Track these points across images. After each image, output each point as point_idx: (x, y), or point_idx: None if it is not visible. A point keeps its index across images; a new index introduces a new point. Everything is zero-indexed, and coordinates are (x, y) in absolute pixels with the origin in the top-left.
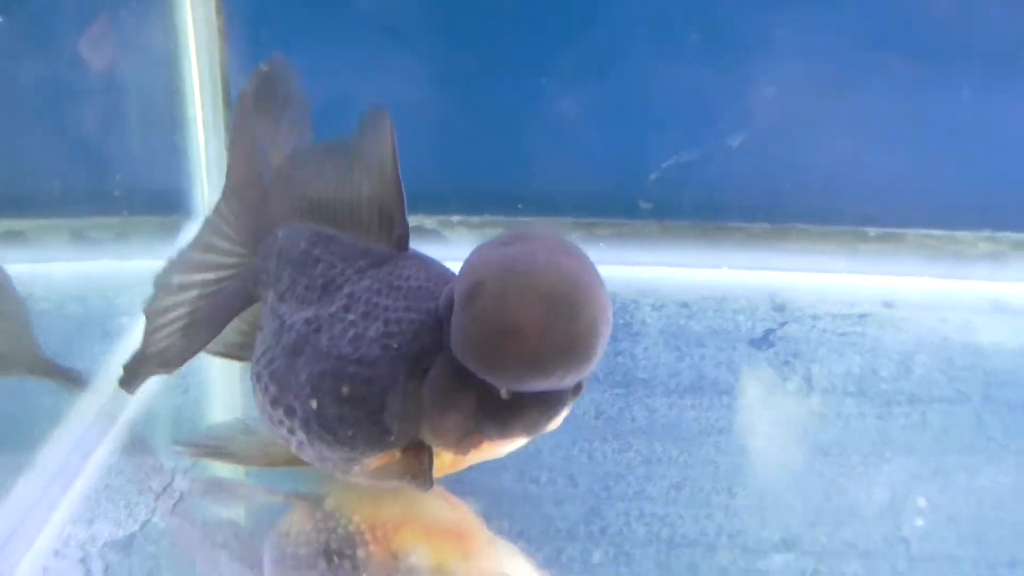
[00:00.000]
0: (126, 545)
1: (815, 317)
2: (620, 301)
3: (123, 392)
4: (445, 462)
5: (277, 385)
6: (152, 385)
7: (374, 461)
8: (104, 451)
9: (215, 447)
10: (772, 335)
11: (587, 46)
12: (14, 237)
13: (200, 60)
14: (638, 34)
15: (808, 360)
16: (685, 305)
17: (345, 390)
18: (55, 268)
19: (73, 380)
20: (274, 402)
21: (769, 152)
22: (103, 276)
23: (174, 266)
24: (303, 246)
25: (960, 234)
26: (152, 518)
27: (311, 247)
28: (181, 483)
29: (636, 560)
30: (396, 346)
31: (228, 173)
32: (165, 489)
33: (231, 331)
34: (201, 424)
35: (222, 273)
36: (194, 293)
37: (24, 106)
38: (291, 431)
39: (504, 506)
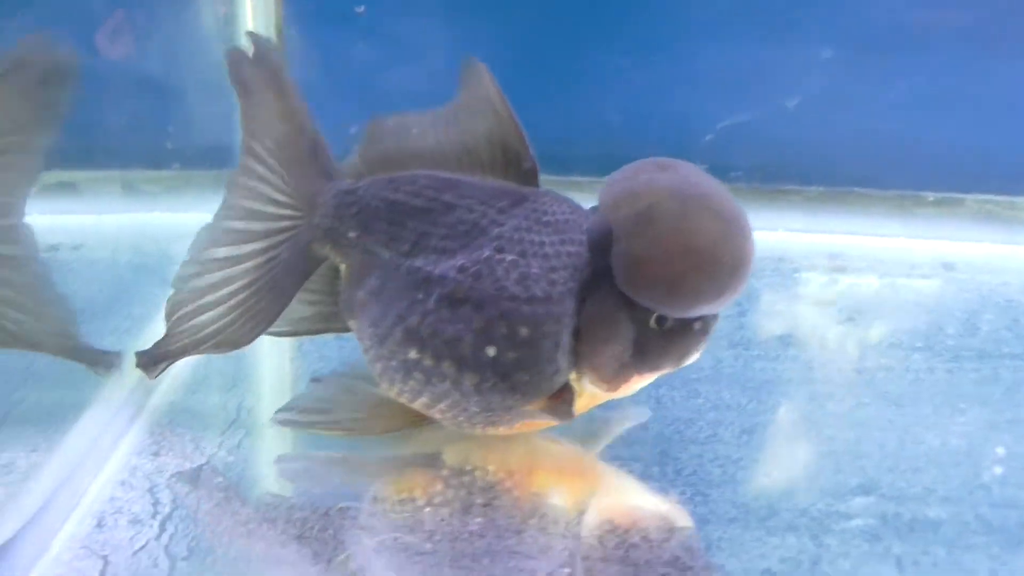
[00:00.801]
0: (193, 477)
1: (876, 277)
2: None
3: None
4: (579, 405)
5: (440, 339)
6: None
7: (533, 406)
8: (168, 388)
9: (320, 418)
10: (833, 292)
11: (642, 6)
12: (67, 189)
13: (256, 13)
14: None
15: (872, 317)
16: None
17: (524, 331)
18: (108, 220)
19: (105, 364)
20: (437, 357)
21: (826, 114)
22: (156, 227)
23: (214, 239)
24: (429, 194)
25: (1019, 200)
26: (219, 452)
27: (438, 194)
28: (246, 421)
29: (713, 500)
30: (562, 281)
31: (256, 132)
32: (230, 426)
33: (297, 305)
34: (263, 366)
35: (274, 239)
36: (247, 264)
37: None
38: (455, 384)
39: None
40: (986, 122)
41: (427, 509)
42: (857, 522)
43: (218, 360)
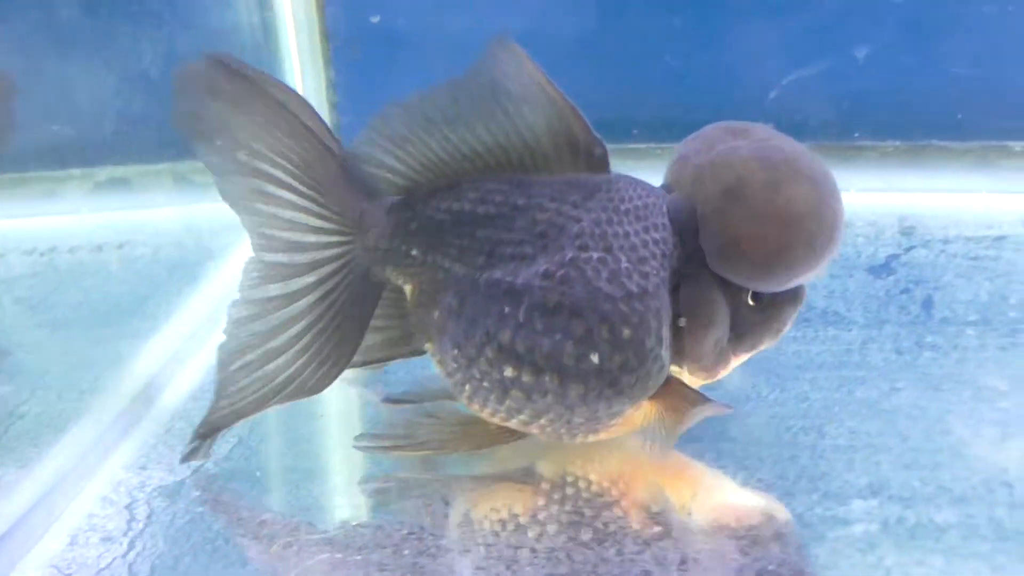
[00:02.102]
0: (174, 491)
1: (946, 241)
2: None
3: (198, 335)
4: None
5: (538, 352)
6: None
7: (638, 407)
8: (171, 395)
9: (403, 441)
10: (895, 261)
11: None
12: (119, 184)
13: None
14: None
15: (931, 287)
16: None
17: (627, 332)
18: (157, 214)
19: None
20: (537, 371)
21: (899, 63)
22: (203, 219)
23: (262, 275)
24: (496, 199)
25: None
26: (206, 464)
27: (506, 197)
28: (240, 429)
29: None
30: (654, 272)
31: (265, 152)
32: (223, 435)
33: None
34: None
35: (325, 270)
36: (303, 302)
37: (123, 54)
38: (559, 397)
39: None
40: None
41: (532, 526)
42: (856, 528)
43: None
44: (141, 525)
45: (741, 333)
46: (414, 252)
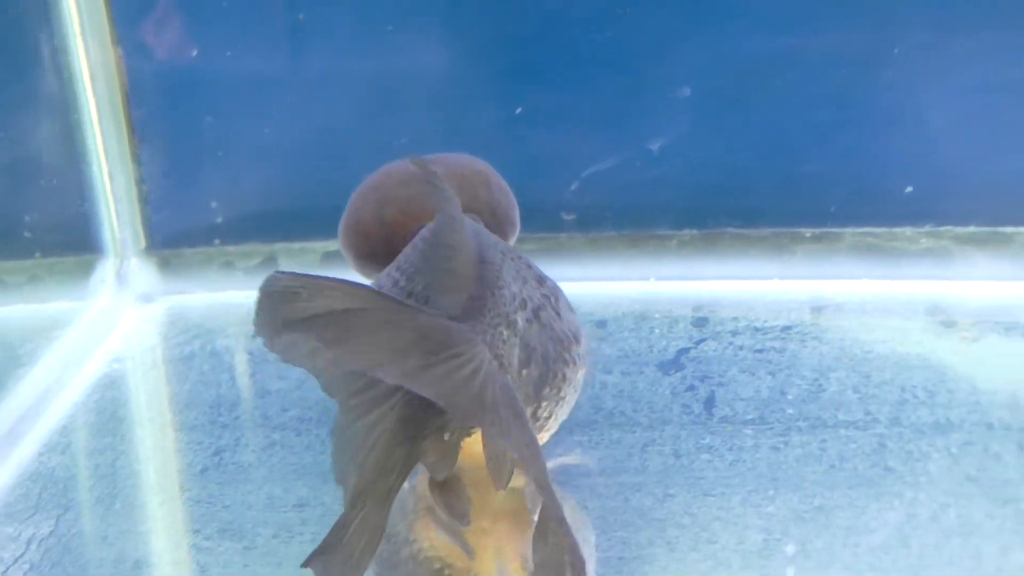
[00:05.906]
0: None
1: (735, 333)
2: None
3: None
4: None
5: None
6: (30, 447)
7: None
8: None
9: None
10: (684, 356)
11: (496, 56)
12: None
13: (96, 89)
14: (546, 42)
15: (715, 384)
16: (602, 324)
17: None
18: None
19: None
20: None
21: (692, 154)
22: (15, 322)
23: None
24: (500, 254)
25: (900, 230)
26: None
27: (503, 250)
28: (34, 554)
29: None
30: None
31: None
32: (16, 561)
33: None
34: (80, 487)
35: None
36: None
37: None
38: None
39: None
40: (862, 146)
41: None
42: None
43: (30, 483)
44: None
45: None
46: (504, 332)
